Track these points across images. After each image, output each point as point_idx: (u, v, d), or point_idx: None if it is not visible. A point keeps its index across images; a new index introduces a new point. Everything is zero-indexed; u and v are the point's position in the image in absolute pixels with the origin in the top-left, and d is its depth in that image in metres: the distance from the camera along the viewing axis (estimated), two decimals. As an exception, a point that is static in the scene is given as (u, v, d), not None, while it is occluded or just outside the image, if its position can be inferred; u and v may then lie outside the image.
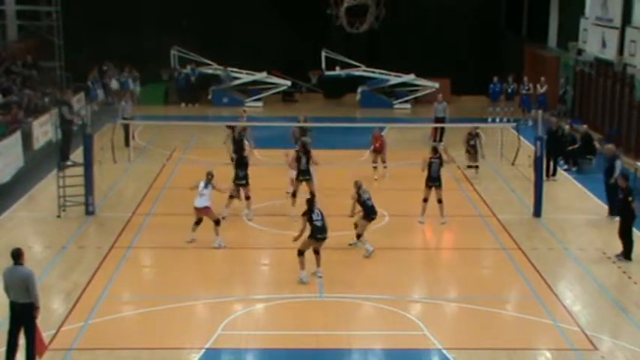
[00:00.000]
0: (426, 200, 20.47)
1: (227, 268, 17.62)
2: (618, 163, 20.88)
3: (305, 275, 16.32)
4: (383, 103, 37.36)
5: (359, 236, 18.37)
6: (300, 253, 16.45)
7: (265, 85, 38.04)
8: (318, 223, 16.44)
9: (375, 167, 24.88)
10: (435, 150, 20.95)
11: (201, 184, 18.40)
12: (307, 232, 16.59)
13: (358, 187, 18.34)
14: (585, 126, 27.89)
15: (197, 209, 18.46)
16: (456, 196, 23.14)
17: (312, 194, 18.06)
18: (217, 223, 18.51)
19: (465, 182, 24.61)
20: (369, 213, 18.24)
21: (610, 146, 21.70)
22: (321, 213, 16.62)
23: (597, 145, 26.54)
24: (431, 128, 30.00)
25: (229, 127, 24.80)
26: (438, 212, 20.38)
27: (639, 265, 17.88)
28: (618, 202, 18.89)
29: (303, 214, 16.62)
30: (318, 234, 16.46)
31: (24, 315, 12.67)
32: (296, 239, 16.56)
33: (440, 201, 20.40)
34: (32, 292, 12.59)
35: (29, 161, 25.53)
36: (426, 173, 20.51)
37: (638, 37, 27.53)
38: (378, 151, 24.93)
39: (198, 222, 18.63)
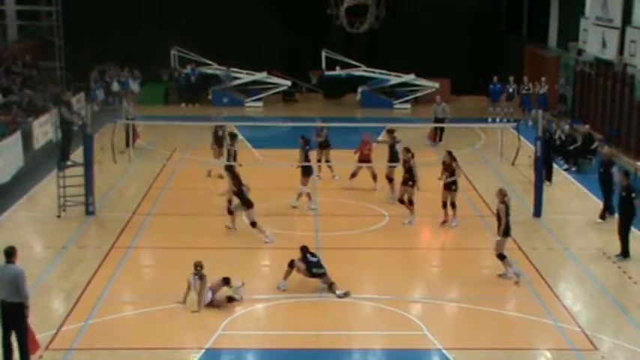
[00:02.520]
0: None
1: (227, 268, 17.58)
2: (615, 170, 20.67)
3: (283, 284, 16.18)
4: (383, 103, 37.36)
5: (502, 257, 16.87)
6: (291, 264, 16.21)
7: (265, 85, 38.04)
8: (314, 259, 16.16)
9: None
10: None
11: (191, 280, 15.39)
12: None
13: (503, 195, 16.86)
14: (587, 126, 27.88)
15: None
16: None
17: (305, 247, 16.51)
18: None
19: (464, 182, 24.58)
20: (509, 229, 16.85)
21: (606, 150, 21.57)
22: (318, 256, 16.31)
23: (598, 145, 26.50)
24: (429, 129, 30.04)
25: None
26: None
27: (639, 265, 17.88)
28: (619, 200, 18.78)
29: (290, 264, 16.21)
30: (314, 268, 16.13)
31: (14, 315, 12.61)
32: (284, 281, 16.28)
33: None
34: (22, 292, 12.52)
35: (29, 161, 25.53)
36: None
37: (638, 37, 27.53)
38: (366, 158, 23.30)
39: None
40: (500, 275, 17.04)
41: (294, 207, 21.54)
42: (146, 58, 36.84)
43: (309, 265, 16.17)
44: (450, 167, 20.37)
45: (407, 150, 20.84)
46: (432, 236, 20.34)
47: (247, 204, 19.09)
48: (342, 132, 28.09)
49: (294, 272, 16.22)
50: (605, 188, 20.80)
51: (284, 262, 17.60)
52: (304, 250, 16.36)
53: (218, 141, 24.31)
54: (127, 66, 36.83)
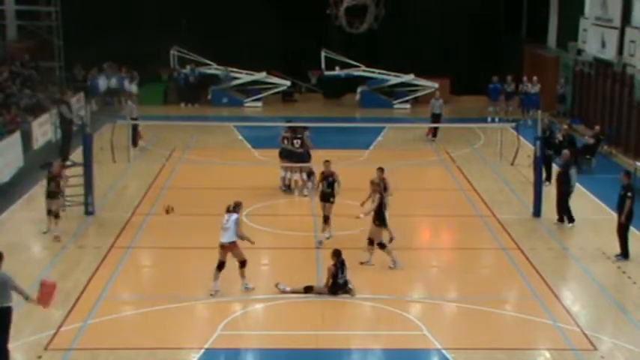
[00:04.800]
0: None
1: (227, 268, 17.58)
2: (573, 172, 20.61)
3: (284, 287, 16.12)
4: (382, 103, 37.35)
5: (382, 246, 17.54)
6: (308, 289, 16.01)
7: (265, 85, 38.02)
8: (340, 280, 15.95)
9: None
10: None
11: (225, 217, 15.80)
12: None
13: (376, 184, 17.73)
14: (597, 127, 27.77)
15: (223, 246, 15.91)
16: (455, 197, 23.20)
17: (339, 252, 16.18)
18: (243, 264, 16.05)
19: (464, 182, 24.62)
20: (384, 220, 17.56)
21: (566, 152, 21.51)
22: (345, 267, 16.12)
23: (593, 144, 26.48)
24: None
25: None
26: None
27: (639, 265, 17.89)
28: (618, 200, 18.69)
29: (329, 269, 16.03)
30: (339, 290, 15.99)
31: (1, 318, 12.49)
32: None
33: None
34: (20, 291, 12.42)
35: (29, 161, 25.52)
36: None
37: (637, 37, 27.55)
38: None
39: (220, 266, 15.95)
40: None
41: (305, 195, 22.55)
42: (145, 58, 36.75)
43: (334, 283, 15.92)
44: (379, 187, 18.15)
45: (326, 161, 19.66)
46: (431, 236, 20.35)
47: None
48: (341, 132, 28.18)
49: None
50: (562, 190, 20.52)
51: (284, 261, 17.66)
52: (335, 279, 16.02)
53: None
54: (125, 66, 36.74)
